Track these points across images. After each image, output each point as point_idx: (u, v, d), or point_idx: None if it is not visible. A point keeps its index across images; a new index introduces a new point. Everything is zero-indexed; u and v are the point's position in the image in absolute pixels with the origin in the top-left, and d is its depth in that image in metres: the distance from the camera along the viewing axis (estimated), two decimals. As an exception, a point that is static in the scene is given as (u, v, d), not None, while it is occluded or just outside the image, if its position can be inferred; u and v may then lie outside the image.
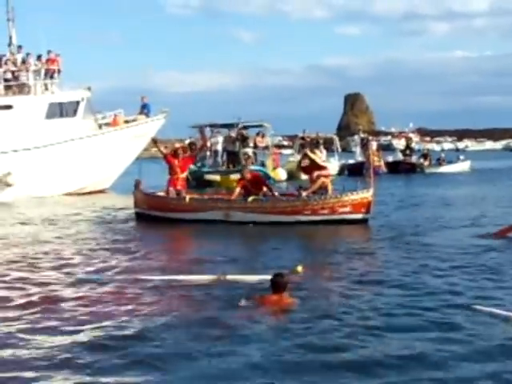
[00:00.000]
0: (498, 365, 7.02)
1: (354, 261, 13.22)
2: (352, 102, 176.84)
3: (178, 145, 22.84)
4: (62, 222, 21.69)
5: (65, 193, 32.56)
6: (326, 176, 19.50)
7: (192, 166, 38.41)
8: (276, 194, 19.86)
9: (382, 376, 6.74)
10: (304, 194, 18.96)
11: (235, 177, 31.04)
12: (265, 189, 19.64)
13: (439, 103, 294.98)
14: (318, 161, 19.56)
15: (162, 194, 21.02)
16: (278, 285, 9.53)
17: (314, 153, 19.73)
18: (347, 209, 18.60)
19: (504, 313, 8.79)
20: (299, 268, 10.89)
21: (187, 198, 19.88)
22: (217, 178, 35.51)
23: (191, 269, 12.36)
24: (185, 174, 21.12)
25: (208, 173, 36.73)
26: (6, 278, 12.07)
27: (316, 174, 19.25)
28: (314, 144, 21.38)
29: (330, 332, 8.15)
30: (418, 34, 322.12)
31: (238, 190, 19.74)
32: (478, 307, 9.10)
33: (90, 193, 33.40)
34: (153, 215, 20.31)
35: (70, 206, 27.52)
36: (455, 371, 6.82)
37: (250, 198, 19.06)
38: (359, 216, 18.62)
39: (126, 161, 35.25)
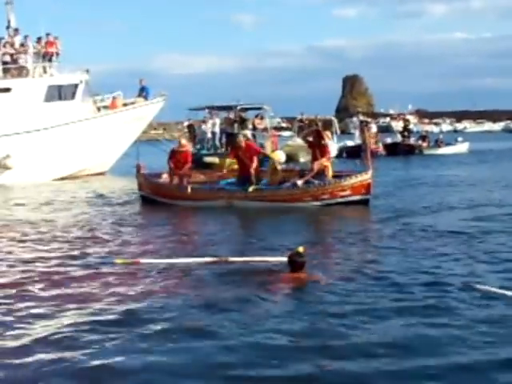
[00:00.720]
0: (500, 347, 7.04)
1: (353, 242, 13.29)
2: (351, 83, 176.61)
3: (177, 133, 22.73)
4: (65, 204, 21.83)
5: (63, 176, 32.64)
6: (327, 159, 19.56)
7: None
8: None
9: (383, 359, 6.80)
10: (300, 182, 19.05)
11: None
12: (255, 160, 19.63)
13: (438, 85, 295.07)
14: (325, 142, 19.59)
15: (166, 177, 21.21)
16: (295, 264, 9.77)
17: (323, 134, 19.89)
18: (347, 192, 18.82)
19: (502, 291, 8.81)
20: (300, 249, 10.98)
21: (189, 188, 19.97)
22: (215, 160, 35.48)
23: (195, 251, 12.50)
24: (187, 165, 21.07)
25: (207, 155, 36.74)
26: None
27: (317, 162, 19.33)
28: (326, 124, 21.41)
29: (326, 316, 8.20)
30: (415, 15, 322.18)
31: (227, 160, 19.91)
32: (478, 286, 9.12)
33: (88, 175, 33.52)
34: (156, 200, 20.58)
35: (70, 188, 27.64)
36: (454, 356, 6.85)
37: (251, 188, 19.20)
38: (359, 197, 18.82)
39: (125, 143, 35.28)
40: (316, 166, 19.28)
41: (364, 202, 18.79)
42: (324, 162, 19.29)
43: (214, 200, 19.40)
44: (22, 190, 27.11)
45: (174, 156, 20.58)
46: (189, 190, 19.95)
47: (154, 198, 20.76)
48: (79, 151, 32.80)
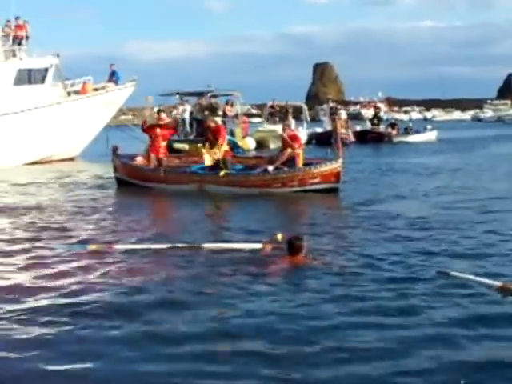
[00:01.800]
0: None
1: (324, 230, 13.33)
2: (321, 71, 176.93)
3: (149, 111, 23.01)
4: (38, 188, 21.82)
5: (34, 160, 32.51)
6: (298, 147, 19.71)
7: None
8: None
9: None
10: (270, 168, 19.27)
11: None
12: (221, 140, 19.85)
13: (408, 73, 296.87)
14: (289, 142, 19.79)
15: (140, 160, 21.54)
16: (294, 247, 9.99)
17: (284, 130, 20.23)
18: (317, 180, 18.97)
19: (478, 279, 8.73)
20: (279, 236, 11.12)
21: (162, 171, 20.23)
22: (185, 146, 35.44)
23: (170, 236, 12.49)
24: (165, 143, 21.39)
25: (177, 141, 36.62)
26: None
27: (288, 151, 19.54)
28: (287, 125, 21.59)
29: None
30: (386, 3, 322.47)
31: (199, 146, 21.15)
32: (452, 272, 9.08)
33: (58, 160, 33.41)
34: (131, 182, 20.88)
35: (42, 173, 27.49)
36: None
37: (222, 173, 19.41)
38: (329, 186, 18.95)
39: (95, 128, 35.27)
40: (286, 153, 19.50)
41: (333, 190, 18.94)
42: (296, 148, 19.49)
43: (186, 184, 19.56)
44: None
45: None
46: (161, 173, 20.18)
47: (129, 180, 21.04)
48: (49, 136, 32.65)
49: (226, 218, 16.16)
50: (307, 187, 18.91)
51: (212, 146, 19.91)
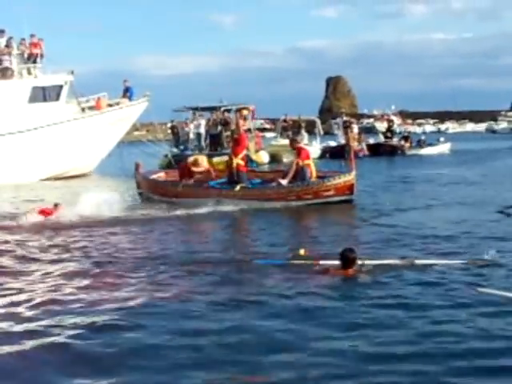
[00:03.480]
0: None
1: (343, 241, 13.43)
2: (333, 84, 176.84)
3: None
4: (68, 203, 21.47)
5: (48, 176, 32.72)
6: (304, 158, 19.97)
7: (175, 149, 38.89)
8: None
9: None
10: (284, 182, 19.58)
11: (217, 160, 31.39)
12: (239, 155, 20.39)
13: (420, 85, 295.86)
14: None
15: (161, 176, 22.64)
16: (347, 259, 10.12)
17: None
18: (331, 192, 19.23)
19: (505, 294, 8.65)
20: (302, 251, 11.20)
21: (181, 185, 20.73)
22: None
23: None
24: None
25: (190, 156, 36.85)
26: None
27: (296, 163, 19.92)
28: (293, 139, 22.06)
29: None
30: (395, 16, 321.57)
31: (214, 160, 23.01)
32: (480, 289, 9.00)
33: (73, 177, 33.60)
34: (153, 197, 21.41)
35: (62, 189, 27.40)
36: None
37: (238, 187, 19.77)
38: (343, 198, 19.22)
39: (109, 144, 35.46)
40: (294, 165, 19.88)
41: (347, 202, 19.16)
42: (300, 161, 19.76)
43: (204, 198, 19.78)
44: (12, 191, 26.93)
45: None
46: (180, 188, 20.61)
47: (151, 195, 21.59)
48: (64, 152, 32.91)
49: (242, 233, 16.30)
50: (321, 200, 19.13)
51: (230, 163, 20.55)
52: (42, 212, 17.38)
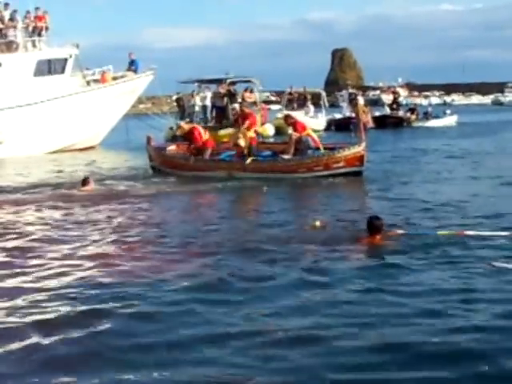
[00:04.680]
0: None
1: (355, 213, 13.52)
2: (340, 57, 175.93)
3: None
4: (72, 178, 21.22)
5: (54, 150, 32.78)
6: (301, 130, 20.18)
7: (180, 122, 38.82)
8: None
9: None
10: (286, 157, 19.80)
11: (224, 132, 31.39)
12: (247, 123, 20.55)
13: (427, 57, 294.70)
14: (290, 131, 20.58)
15: (173, 149, 22.58)
16: (373, 226, 10.34)
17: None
18: (341, 164, 19.28)
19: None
20: (317, 223, 11.28)
21: (192, 159, 20.85)
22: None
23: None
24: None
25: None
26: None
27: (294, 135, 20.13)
28: (287, 116, 22.36)
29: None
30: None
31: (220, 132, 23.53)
32: (497, 263, 8.98)
33: (79, 149, 33.65)
34: (164, 170, 21.55)
35: (70, 163, 27.37)
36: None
37: (249, 160, 19.87)
38: (353, 169, 19.26)
39: (115, 117, 35.45)
40: (292, 138, 20.05)
41: (357, 174, 19.23)
42: (297, 133, 19.97)
43: (215, 171, 20.06)
44: (20, 165, 26.92)
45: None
46: (191, 161, 20.76)
47: (163, 168, 21.72)
48: (70, 125, 32.92)
49: (256, 207, 16.30)
50: (332, 171, 19.22)
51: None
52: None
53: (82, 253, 10.54)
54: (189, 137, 21.60)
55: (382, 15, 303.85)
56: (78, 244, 11.20)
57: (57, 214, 14.42)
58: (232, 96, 38.06)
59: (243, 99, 38.72)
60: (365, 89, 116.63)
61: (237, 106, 36.44)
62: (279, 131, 39.27)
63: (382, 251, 10.01)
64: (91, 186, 17.98)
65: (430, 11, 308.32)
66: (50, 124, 32.28)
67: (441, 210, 13.42)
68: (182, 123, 23.65)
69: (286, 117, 21.86)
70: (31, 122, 31.87)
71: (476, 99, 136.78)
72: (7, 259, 10.32)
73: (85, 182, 18.09)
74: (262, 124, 38.47)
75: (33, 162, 27.63)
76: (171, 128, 35.78)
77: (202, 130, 21.81)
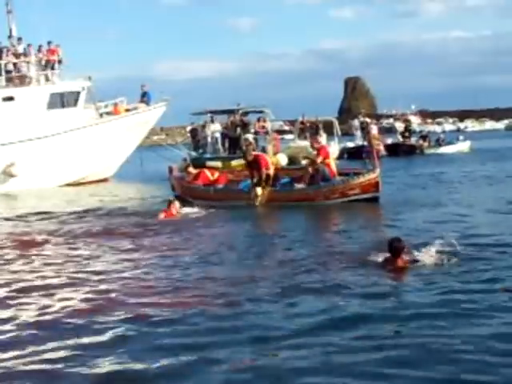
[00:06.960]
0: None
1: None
2: (352, 85, 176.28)
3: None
4: (91, 213, 20.97)
5: (68, 182, 32.92)
6: (325, 156, 20.33)
7: (193, 153, 38.91)
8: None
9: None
10: (300, 186, 20.17)
11: (236, 162, 31.42)
12: (264, 170, 20.35)
13: (439, 84, 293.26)
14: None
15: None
16: (395, 249, 10.43)
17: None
18: (357, 190, 19.57)
19: None
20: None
21: (212, 190, 21.51)
22: (218, 164, 35.66)
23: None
24: None
25: (209, 159, 36.86)
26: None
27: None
28: (314, 139, 22.85)
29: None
30: (412, 15, 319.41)
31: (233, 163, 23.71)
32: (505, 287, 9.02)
33: (92, 182, 33.73)
34: (187, 200, 21.56)
35: (85, 196, 27.54)
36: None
37: (259, 191, 20.09)
38: (369, 195, 19.54)
39: (128, 149, 35.62)
40: (309, 167, 20.36)
41: (374, 200, 19.46)
42: (319, 161, 20.09)
43: (235, 200, 20.35)
44: (35, 198, 27.04)
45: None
46: (211, 191, 21.31)
47: (185, 198, 21.79)
48: (83, 157, 33.10)
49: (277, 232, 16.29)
50: (348, 198, 19.52)
51: (259, 179, 20.46)
52: (165, 212, 18.51)
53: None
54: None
55: (392, 43, 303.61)
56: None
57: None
58: (245, 126, 38.16)
59: (256, 129, 38.83)
60: (378, 117, 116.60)
61: (250, 136, 36.64)
62: (292, 161, 39.30)
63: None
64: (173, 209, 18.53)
65: (441, 37, 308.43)
66: (63, 157, 32.46)
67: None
68: (190, 168, 23.59)
69: (313, 140, 22.37)
70: (44, 155, 32.07)
71: (489, 125, 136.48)
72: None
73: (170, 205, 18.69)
74: (275, 154, 38.51)
75: (46, 195, 27.69)
76: (185, 159, 35.85)
77: (208, 174, 22.37)
